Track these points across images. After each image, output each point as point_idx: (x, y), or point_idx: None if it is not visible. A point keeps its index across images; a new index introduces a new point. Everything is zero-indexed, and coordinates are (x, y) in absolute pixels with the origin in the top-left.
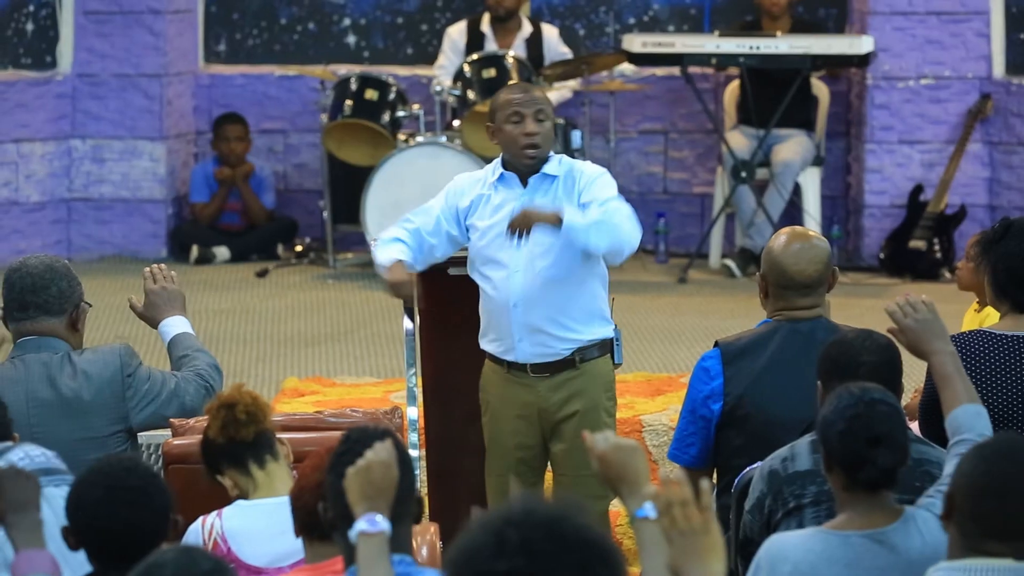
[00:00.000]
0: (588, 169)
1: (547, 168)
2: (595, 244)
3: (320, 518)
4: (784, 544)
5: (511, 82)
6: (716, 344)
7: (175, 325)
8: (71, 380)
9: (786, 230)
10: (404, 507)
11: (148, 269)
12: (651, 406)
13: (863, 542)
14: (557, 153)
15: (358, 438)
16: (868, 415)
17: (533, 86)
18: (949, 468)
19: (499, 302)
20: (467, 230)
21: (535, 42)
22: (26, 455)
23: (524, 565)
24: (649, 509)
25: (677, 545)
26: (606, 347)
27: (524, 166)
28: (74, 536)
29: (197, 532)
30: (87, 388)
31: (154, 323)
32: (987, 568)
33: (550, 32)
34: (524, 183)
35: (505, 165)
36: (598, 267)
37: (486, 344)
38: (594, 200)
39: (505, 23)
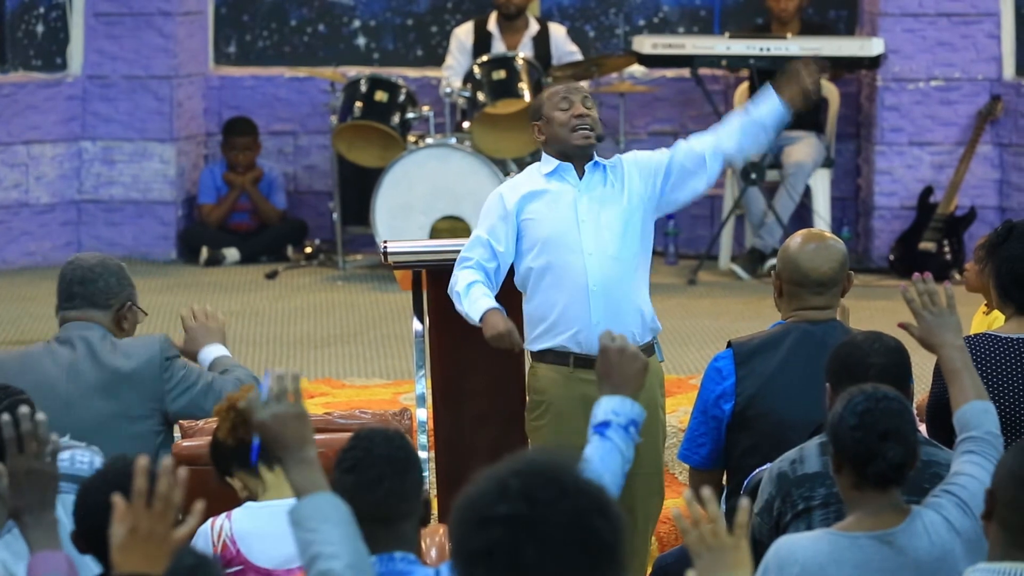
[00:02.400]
0: (626, 156)
1: (598, 157)
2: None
3: None
4: (793, 545)
5: (522, 84)
6: (729, 344)
7: (214, 351)
8: (110, 355)
9: (803, 231)
10: (410, 505)
11: (188, 309)
12: None
13: (871, 544)
14: None
15: (367, 435)
16: (879, 410)
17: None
18: (956, 466)
19: (574, 287)
20: (519, 227)
21: (542, 40)
22: (71, 459)
23: (524, 510)
24: None
25: (704, 560)
26: (652, 345)
27: (577, 149)
28: (83, 540)
29: (206, 534)
30: (126, 363)
31: (193, 356)
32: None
33: (557, 30)
34: (579, 173)
35: (558, 157)
36: (648, 252)
37: (548, 341)
38: (661, 155)
39: (513, 22)
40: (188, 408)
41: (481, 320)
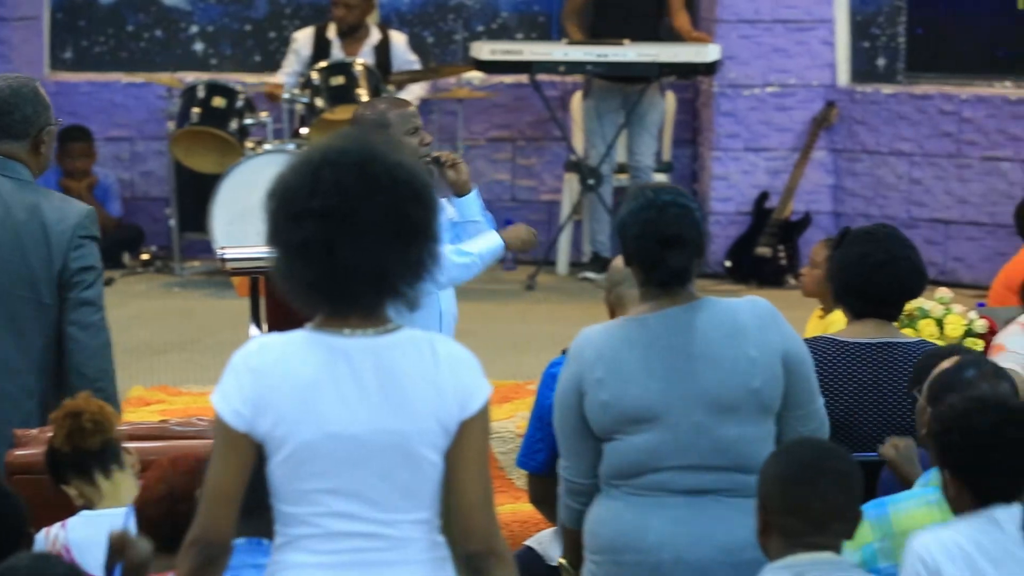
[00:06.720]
0: None
1: None
2: None
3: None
4: (590, 333)
5: (360, 90)
6: (564, 352)
7: None
8: (22, 212)
9: None
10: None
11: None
12: (498, 413)
13: (659, 321)
14: None
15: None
16: (661, 219)
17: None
18: None
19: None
20: None
21: (383, 49)
22: None
23: (337, 204)
24: None
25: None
26: None
27: None
28: None
29: (41, 543)
30: (37, 226)
31: None
32: (810, 563)
33: (398, 39)
34: None
35: None
36: None
37: None
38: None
39: (351, 33)
40: (78, 276)
41: (503, 240)
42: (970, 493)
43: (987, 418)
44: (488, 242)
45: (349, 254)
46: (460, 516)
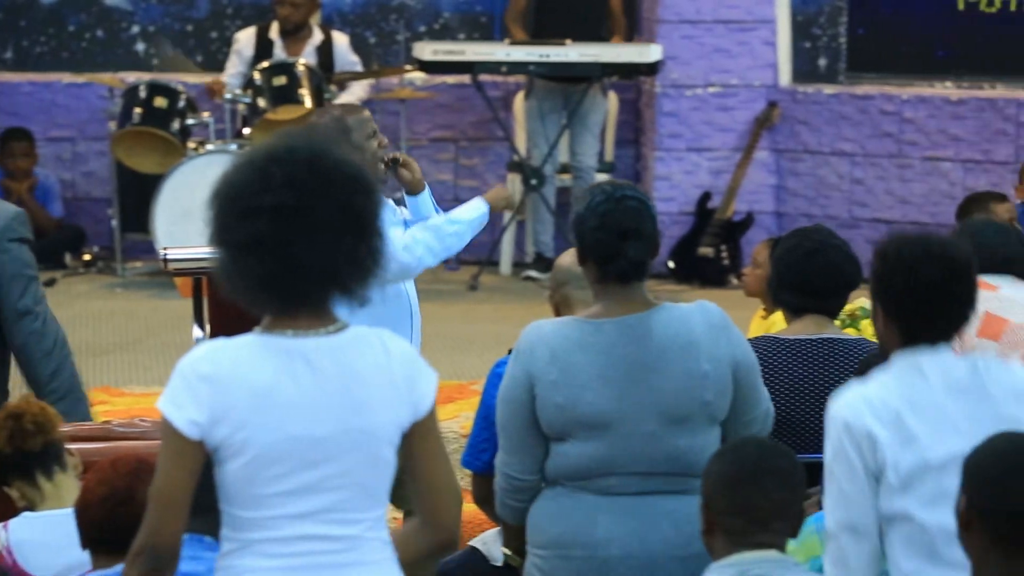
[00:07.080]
0: None
1: None
2: None
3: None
4: (542, 329)
5: (302, 90)
6: (510, 351)
7: None
8: None
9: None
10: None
11: None
12: (442, 413)
13: (615, 328)
14: None
15: None
16: (619, 210)
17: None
18: None
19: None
20: None
21: (326, 50)
22: None
23: (291, 201)
24: None
25: None
26: None
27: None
28: None
29: None
30: None
31: None
32: (754, 561)
33: (340, 40)
34: None
35: None
36: None
37: None
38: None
39: (295, 32)
40: (8, 286)
41: (487, 204)
42: (899, 333)
43: (934, 271)
44: (474, 209)
45: (304, 251)
46: (433, 508)
